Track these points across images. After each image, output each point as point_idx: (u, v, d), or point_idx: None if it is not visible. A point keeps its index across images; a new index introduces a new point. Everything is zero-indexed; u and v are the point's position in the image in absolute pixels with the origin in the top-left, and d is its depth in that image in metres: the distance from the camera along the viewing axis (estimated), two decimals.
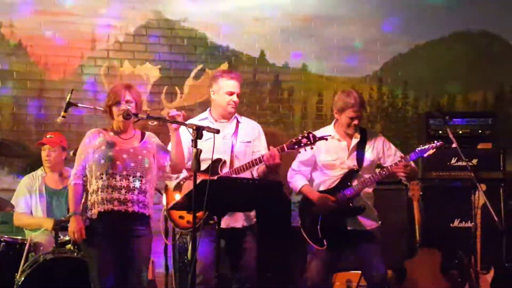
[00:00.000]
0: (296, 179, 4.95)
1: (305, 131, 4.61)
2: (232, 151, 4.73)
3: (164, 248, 5.29)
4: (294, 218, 5.74)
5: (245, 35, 7.04)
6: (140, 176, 4.25)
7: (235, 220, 4.66)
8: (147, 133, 4.47)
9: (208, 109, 4.93)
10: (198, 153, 3.75)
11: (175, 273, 5.66)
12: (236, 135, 4.80)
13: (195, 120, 4.78)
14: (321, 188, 4.92)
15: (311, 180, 4.99)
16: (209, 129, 3.93)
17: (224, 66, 6.95)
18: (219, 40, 7.00)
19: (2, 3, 6.39)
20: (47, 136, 5.62)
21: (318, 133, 4.72)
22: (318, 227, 4.81)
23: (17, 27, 6.44)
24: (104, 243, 4.19)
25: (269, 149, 4.62)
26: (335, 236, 4.80)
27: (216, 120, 4.83)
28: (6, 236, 5.03)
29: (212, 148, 3.91)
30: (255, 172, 4.70)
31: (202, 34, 6.96)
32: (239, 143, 4.78)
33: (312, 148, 4.60)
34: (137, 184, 4.24)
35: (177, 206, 4.09)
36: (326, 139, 4.67)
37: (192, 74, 6.90)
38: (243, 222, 4.71)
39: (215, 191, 3.65)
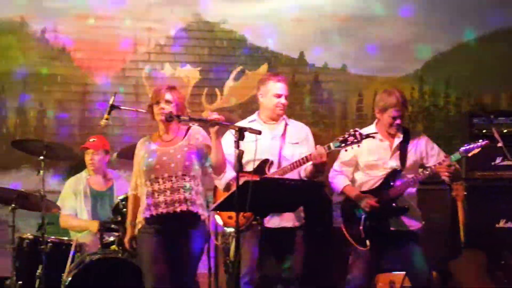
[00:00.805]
0: (338, 180, 4.93)
1: (351, 129, 4.59)
2: (280, 152, 4.74)
3: (207, 248, 5.31)
4: (335, 218, 5.72)
5: (285, 36, 7.06)
6: (182, 175, 4.25)
7: (286, 220, 4.66)
8: (192, 129, 4.43)
9: (257, 112, 4.96)
10: (240, 154, 3.76)
11: (216, 273, 5.69)
12: (284, 136, 4.81)
13: (245, 122, 4.79)
14: (364, 189, 4.89)
15: (352, 180, 4.96)
16: (252, 130, 3.94)
17: (264, 67, 6.98)
18: (259, 41, 7.03)
19: (46, 9, 6.52)
20: (90, 140, 5.69)
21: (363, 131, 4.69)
22: (361, 227, 4.78)
23: (60, 32, 6.58)
24: (155, 245, 4.21)
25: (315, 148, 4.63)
26: (378, 237, 4.76)
27: (264, 122, 4.85)
28: (53, 237, 5.11)
29: (255, 149, 3.92)
30: (303, 172, 4.70)
31: (242, 36, 7.00)
32: (287, 144, 4.79)
33: (358, 146, 4.57)
34: (181, 183, 4.25)
35: (220, 207, 4.10)
36: (374, 137, 4.63)
37: (232, 75, 6.94)
38: (294, 222, 4.72)
39: (257, 192, 3.65)
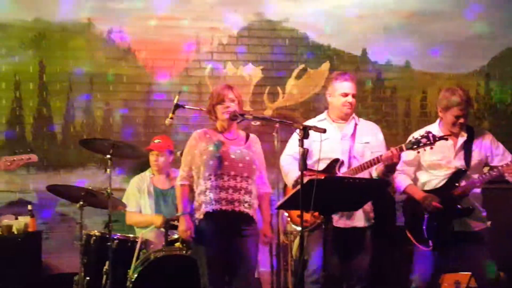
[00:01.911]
0: (400, 179, 4.87)
1: (424, 131, 4.54)
2: (350, 152, 4.74)
3: (269, 247, 5.33)
4: (398, 217, 5.65)
5: (347, 34, 7.01)
6: (246, 177, 4.31)
7: (357, 220, 4.68)
8: (251, 136, 4.52)
9: (326, 111, 4.97)
10: (305, 152, 3.76)
11: (278, 272, 5.69)
12: (354, 136, 4.80)
13: (314, 121, 4.82)
14: (426, 188, 4.82)
15: (414, 180, 4.90)
16: (316, 129, 3.94)
17: (326, 65, 6.95)
18: (321, 39, 6.99)
19: (112, 10, 6.65)
20: (155, 141, 5.78)
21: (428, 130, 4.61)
22: (424, 227, 4.72)
23: (126, 33, 6.69)
24: (213, 243, 4.27)
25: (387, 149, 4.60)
26: (441, 237, 4.69)
27: (333, 121, 4.86)
28: (119, 234, 5.21)
29: (319, 147, 3.92)
30: (374, 172, 4.67)
31: (304, 34, 6.98)
32: (357, 143, 4.78)
33: (431, 148, 4.51)
34: (244, 184, 4.29)
35: (285, 205, 4.11)
36: (447, 139, 4.56)
37: (294, 73, 6.93)
38: (365, 222, 4.72)
39: (322, 190, 3.64)
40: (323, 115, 4.93)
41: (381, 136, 4.90)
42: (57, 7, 6.56)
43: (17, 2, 6.54)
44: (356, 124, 4.86)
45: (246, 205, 4.30)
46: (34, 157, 4.91)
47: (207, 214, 4.28)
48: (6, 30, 6.52)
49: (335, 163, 4.65)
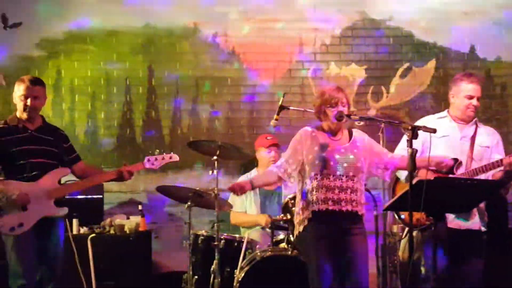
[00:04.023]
0: None
1: None
2: (469, 153, 4.63)
3: (375, 248, 5.26)
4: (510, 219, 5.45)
5: (453, 30, 6.84)
6: (352, 176, 4.26)
7: (473, 222, 4.56)
8: (354, 132, 4.46)
9: (447, 109, 4.86)
10: (413, 153, 3.69)
11: (384, 273, 5.62)
12: (474, 138, 4.69)
13: (434, 118, 4.78)
14: None
15: None
16: (426, 129, 3.87)
17: (432, 63, 6.81)
18: (426, 36, 6.86)
19: (217, 14, 6.79)
20: (268, 138, 5.85)
21: None
22: None
23: (230, 36, 6.81)
24: (321, 243, 4.24)
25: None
26: None
27: (454, 120, 4.77)
28: (225, 234, 5.27)
29: (429, 146, 3.84)
30: (491, 177, 4.53)
31: (408, 32, 6.86)
32: (477, 146, 4.67)
33: None
34: (350, 183, 4.26)
35: (393, 206, 4.04)
36: None
37: (398, 73, 6.83)
38: (480, 224, 4.61)
39: (432, 191, 3.56)
40: (444, 113, 4.84)
41: (501, 143, 4.78)
42: (164, 13, 6.76)
43: (128, 10, 6.79)
44: (477, 127, 4.75)
45: (353, 203, 4.25)
46: (175, 157, 5.01)
47: (314, 213, 4.28)
48: (118, 36, 6.79)
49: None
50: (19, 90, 4.65)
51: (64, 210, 4.67)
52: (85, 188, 5.29)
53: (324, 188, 4.25)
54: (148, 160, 4.89)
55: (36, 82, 4.69)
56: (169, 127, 6.81)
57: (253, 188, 4.42)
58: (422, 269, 4.42)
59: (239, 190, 4.31)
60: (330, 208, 4.23)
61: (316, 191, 4.27)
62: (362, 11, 6.84)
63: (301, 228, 4.34)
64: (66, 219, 4.86)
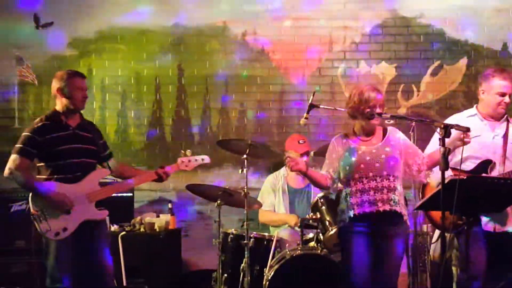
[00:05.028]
0: None
1: None
2: (503, 152, 4.54)
3: (405, 248, 5.21)
4: None
5: (486, 27, 6.74)
6: (387, 175, 4.21)
7: (509, 224, 4.47)
8: (389, 129, 4.39)
9: (475, 105, 4.76)
10: (446, 152, 3.65)
11: (415, 273, 5.58)
12: (507, 136, 4.59)
13: (463, 116, 4.69)
14: None
15: None
16: (458, 127, 3.81)
17: (463, 61, 6.72)
18: (458, 34, 6.77)
19: (246, 13, 6.79)
20: (300, 142, 5.75)
21: None
22: None
23: (259, 34, 6.80)
24: (359, 246, 4.22)
25: None
26: None
27: (484, 118, 4.67)
28: (255, 233, 5.28)
29: (462, 147, 3.78)
30: None
31: (439, 29, 6.78)
32: (510, 144, 4.57)
33: None
34: (385, 183, 4.21)
35: (424, 206, 4.00)
36: None
37: (429, 71, 6.75)
38: None
39: (464, 190, 3.51)
40: (473, 110, 4.73)
41: None
42: (194, 12, 6.79)
43: (158, 9, 6.83)
44: (508, 124, 4.64)
45: (391, 202, 4.20)
46: (207, 159, 5.03)
47: (351, 218, 4.25)
48: (147, 35, 6.84)
49: (486, 164, 4.45)
50: (75, 81, 4.51)
51: (105, 213, 4.56)
52: (125, 191, 5.29)
53: (359, 192, 4.23)
54: (182, 162, 4.91)
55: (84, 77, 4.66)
56: (199, 126, 6.83)
57: (305, 173, 4.34)
58: (453, 268, 4.36)
59: (294, 164, 4.26)
60: (367, 211, 4.20)
61: (350, 197, 4.26)
62: (393, 8, 6.78)
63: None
64: (108, 222, 4.80)
